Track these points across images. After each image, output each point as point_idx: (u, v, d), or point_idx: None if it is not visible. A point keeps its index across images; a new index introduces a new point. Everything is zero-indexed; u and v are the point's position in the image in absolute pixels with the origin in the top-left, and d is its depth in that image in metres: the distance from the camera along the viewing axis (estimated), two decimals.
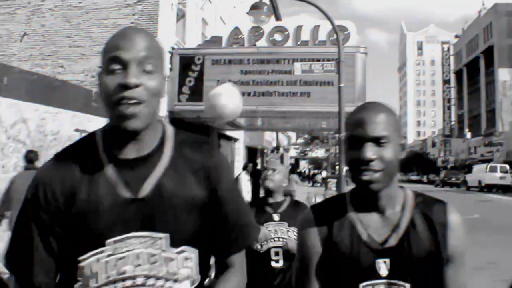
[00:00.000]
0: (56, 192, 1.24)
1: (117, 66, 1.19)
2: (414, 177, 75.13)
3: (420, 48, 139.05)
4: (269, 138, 32.47)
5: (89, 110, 9.76)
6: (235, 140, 25.30)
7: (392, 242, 1.37)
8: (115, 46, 1.21)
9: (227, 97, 3.87)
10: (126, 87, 1.17)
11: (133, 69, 1.19)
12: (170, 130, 1.36)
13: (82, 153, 1.29)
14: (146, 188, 1.23)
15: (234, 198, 1.38)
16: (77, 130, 9.20)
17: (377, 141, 1.34)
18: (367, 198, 1.42)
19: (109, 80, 1.19)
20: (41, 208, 1.23)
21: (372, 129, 1.34)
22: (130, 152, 1.26)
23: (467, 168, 49.43)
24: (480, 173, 38.71)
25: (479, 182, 38.11)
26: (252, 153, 32.64)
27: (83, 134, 1.35)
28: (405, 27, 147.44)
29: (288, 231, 3.12)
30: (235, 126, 17.86)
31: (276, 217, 3.17)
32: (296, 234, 2.25)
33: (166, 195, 1.24)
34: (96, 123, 9.11)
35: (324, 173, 39.62)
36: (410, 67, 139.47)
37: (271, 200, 3.29)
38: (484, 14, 63.85)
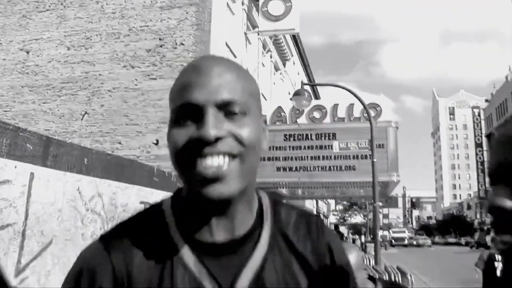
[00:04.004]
0: (105, 282, 0.87)
1: (188, 113, 0.84)
2: (452, 240, 74.17)
3: (452, 113, 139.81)
4: (309, 205, 33.15)
5: (152, 184, 11.00)
6: None
7: None
8: (183, 86, 0.86)
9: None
10: (203, 142, 0.81)
11: (212, 115, 0.82)
12: (266, 202, 1.00)
13: (145, 232, 0.92)
14: (243, 283, 0.88)
15: None
16: (141, 202, 10.40)
17: None
18: None
19: (178, 134, 0.84)
20: None
21: None
22: (217, 233, 0.90)
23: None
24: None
25: None
26: None
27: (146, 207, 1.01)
28: (436, 93, 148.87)
29: None
30: (277, 195, 18.80)
31: None
32: None
33: None
34: (157, 195, 10.36)
35: (363, 238, 40.32)
36: (443, 131, 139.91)
37: None
38: (511, 79, 64.65)
